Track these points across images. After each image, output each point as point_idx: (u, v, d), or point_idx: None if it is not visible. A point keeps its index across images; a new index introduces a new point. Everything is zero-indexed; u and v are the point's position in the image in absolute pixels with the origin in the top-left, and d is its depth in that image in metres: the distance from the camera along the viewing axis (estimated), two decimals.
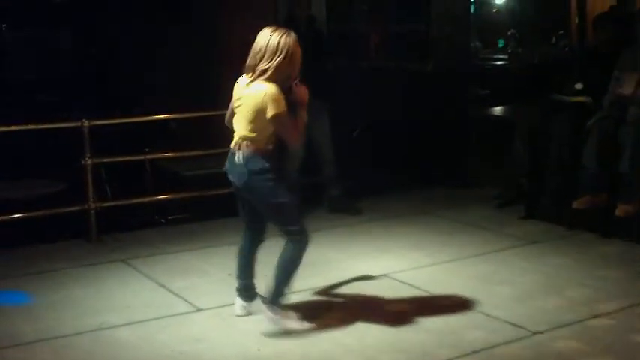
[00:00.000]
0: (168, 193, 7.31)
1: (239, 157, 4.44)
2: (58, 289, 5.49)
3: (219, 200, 7.36)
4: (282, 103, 4.32)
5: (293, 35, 4.41)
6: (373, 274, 5.65)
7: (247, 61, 4.43)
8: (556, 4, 9.88)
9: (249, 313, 4.83)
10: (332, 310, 4.95)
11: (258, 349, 4.41)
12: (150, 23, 9.45)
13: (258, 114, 4.34)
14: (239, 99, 4.47)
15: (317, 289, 5.27)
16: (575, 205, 6.40)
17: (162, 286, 5.51)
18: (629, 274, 5.54)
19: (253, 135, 4.40)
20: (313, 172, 7.20)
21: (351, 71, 8.60)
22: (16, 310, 5.11)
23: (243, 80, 4.48)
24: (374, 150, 8.55)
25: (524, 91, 7.60)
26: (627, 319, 4.75)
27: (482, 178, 8.17)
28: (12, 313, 5.03)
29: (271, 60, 4.31)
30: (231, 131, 4.57)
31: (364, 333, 4.60)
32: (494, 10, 13.51)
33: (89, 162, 6.68)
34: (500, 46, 12.67)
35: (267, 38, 4.35)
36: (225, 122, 4.68)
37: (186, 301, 5.19)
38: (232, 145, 4.51)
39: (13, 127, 6.69)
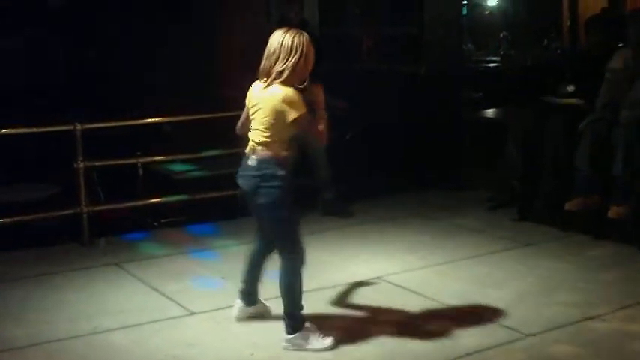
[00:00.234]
0: (161, 196, 7.30)
1: (252, 161, 4.34)
2: (51, 293, 5.47)
3: (213, 203, 7.38)
4: (302, 104, 4.23)
5: (306, 34, 4.32)
6: (367, 277, 5.65)
7: (261, 65, 4.33)
8: (548, 6, 9.90)
9: (246, 317, 4.81)
10: (326, 313, 4.95)
11: (252, 354, 4.41)
12: (150, 23, 9.43)
13: (276, 119, 4.25)
14: (255, 105, 4.36)
15: (310, 293, 5.25)
16: (567, 207, 6.41)
17: (156, 289, 5.50)
18: (623, 276, 5.55)
19: (269, 140, 4.29)
20: (307, 175, 7.19)
21: (344, 74, 8.59)
22: (8, 314, 5.09)
23: (257, 85, 4.38)
24: (367, 153, 8.55)
25: (517, 93, 7.61)
26: (621, 321, 4.75)
27: (476, 181, 8.17)
28: (4, 318, 5.02)
29: (287, 61, 4.22)
30: (244, 138, 4.47)
31: (358, 336, 4.59)
32: (486, 13, 13.50)
33: (81, 165, 6.67)
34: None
35: (281, 39, 4.26)
36: (237, 130, 4.58)
37: (180, 304, 5.18)
38: (247, 150, 4.41)
39: (4, 131, 6.66)
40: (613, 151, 6.18)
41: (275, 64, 4.25)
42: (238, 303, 4.84)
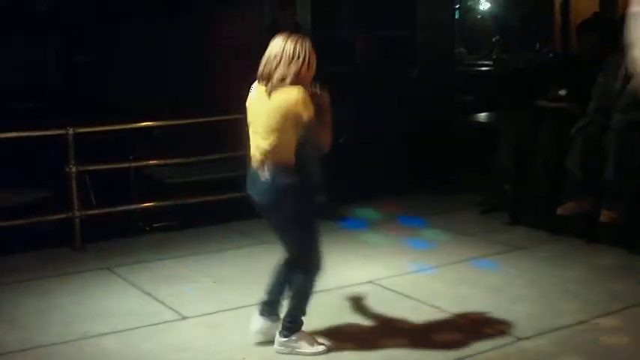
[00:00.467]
0: (153, 201, 7.29)
1: (265, 173, 4.17)
2: (42, 297, 5.46)
3: (205, 207, 7.37)
4: (311, 106, 4.10)
5: (308, 39, 4.22)
6: (358, 281, 5.65)
7: (260, 70, 4.19)
8: (540, 10, 9.93)
9: (265, 332, 4.53)
10: (317, 317, 4.93)
11: (244, 358, 4.39)
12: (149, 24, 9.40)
13: (287, 123, 4.09)
14: (257, 113, 4.21)
15: None
16: (559, 211, 6.42)
17: (148, 294, 5.49)
18: (615, 280, 5.56)
19: (278, 148, 4.13)
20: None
21: (337, 77, 8.59)
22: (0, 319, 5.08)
23: (258, 89, 4.23)
24: (359, 156, 8.55)
25: (509, 97, 7.63)
26: (612, 325, 4.76)
27: (468, 184, 8.19)
28: None
29: (289, 66, 4.10)
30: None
31: (349, 340, 4.59)
32: (478, 17, 13.55)
33: (73, 169, 6.65)
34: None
35: (282, 44, 4.14)
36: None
37: (172, 309, 5.17)
38: (254, 162, 4.24)
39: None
40: (605, 156, 6.19)
41: (276, 69, 4.12)
42: (258, 317, 4.56)
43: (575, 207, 6.36)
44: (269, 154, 4.16)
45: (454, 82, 9.04)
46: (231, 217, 7.26)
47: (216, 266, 6.10)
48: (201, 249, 6.52)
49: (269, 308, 4.57)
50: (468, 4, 13.35)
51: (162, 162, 7.59)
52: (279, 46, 4.16)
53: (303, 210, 4.24)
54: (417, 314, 5.00)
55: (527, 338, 4.57)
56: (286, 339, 4.41)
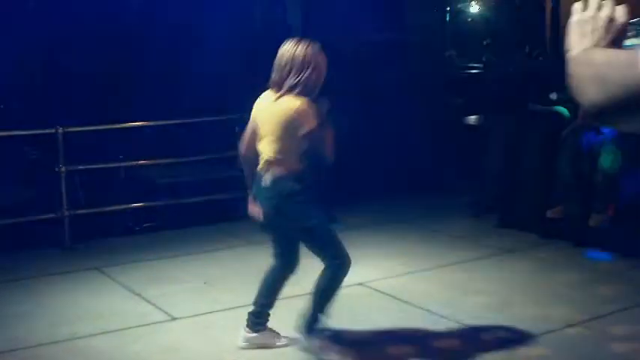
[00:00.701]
0: (142, 201, 7.27)
1: (266, 180, 4.15)
2: (30, 297, 5.43)
3: (194, 208, 7.35)
4: (315, 117, 4.05)
5: (317, 45, 4.16)
6: (349, 282, 5.59)
7: (272, 77, 4.14)
8: (530, 13, 9.95)
9: (253, 347, 4.46)
10: None
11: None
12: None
13: (289, 132, 4.07)
14: (264, 120, 4.16)
15: (293, 299, 5.22)
16: (549, 214, 6.44)
17: (137, 294, 5.47)
18: (604, 283, 5.58)
19: (282, 156, 4.11)
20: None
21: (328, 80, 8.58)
22: None
23: (267, 97, 4.19)
24: (351, 159, 8.54)
25: (500, 100, 7.64)
26: (602, 328, 4.77)
27: (458, 187, 8.20)
28: None
29: (300, 74, 4.05)
30: (250, 154, 4.27)
31: (340, 343, 4.57)
32: (468, 20, 13.56)
33: (63, 169, 6.63)
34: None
35: (293, 51, 4.08)
36: (242, 151, 4.31)
37: (162, 310, 5.15)
38: (259, 167, 4.20)
39: None
40: (595, 159, 6.21)
41: (287, 77, 4.07)
42: (244, 330, 4.47)
43: (565, 210, 6.37)
44: (274, 162, 4.14)
45: (445, 84, 9.04)
46: (220, 217, 7.24)
47: (207, 267, 6.09)
48: (191, 249, 6.50)
49: (257, 319, 4.47)
50: (458, 6, 13.37)
51: (153, 162, 7.57)
52: (289, 54, 4.10)
53: (307, 213, 4.17)
54: (408, 317, 5.00)
55: (518, 341, 4.57)
56: (308, 334, 4.31)
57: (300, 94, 4.06)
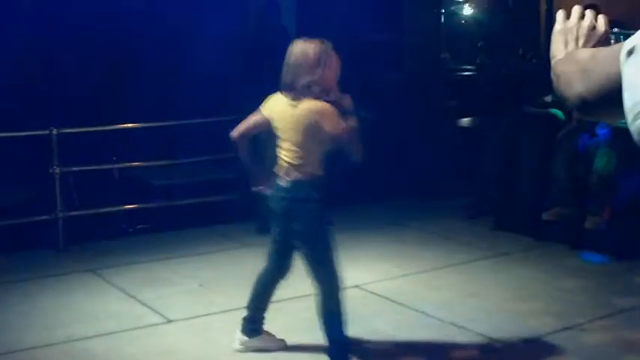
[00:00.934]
0: (137, 203, 7.24)
1: (284, 182, 4.06)
2: (25, 300, 5.40)
3: (189, 210, 7.33)
4: (339, 119, 3.97)
5: (328, 43, 4.05)
6: (344, 285, 5.61)
7: (283, 77, 4.03)
8: (525, 15, 9.96)
9: (248, 350, 4.45)
10: (303, 322, 4.91)
11: None
12: None
13: (313, 137, 3.99)
14: (283, 123, 4.06)
15: (285, 302, 5.21)
16: (545, 216, 6.45)
17: (133, 297, 5.45)
18: (599, 286, 5.58)
19: (304, 161, 4.03)
20: None
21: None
22: None
23: (281, 99, 4.08)
24: (344, 160, 8.54)
25: (494, 102, 7.64)
26: (597, 330, 4.78)
27: (453, 189, 8.19)
28: None
29: (313, 73, 3.94)
30: (239, 143, 4.22)
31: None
32: (462, 22, 13.58)
33: (57, 170, 6.60)
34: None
35: (304, 50, 3.98)
36: (235, 133, 4.20)
37: (157, 312, 5.13)
38: (278, 169, 4.13)
39: None
40: (590, 161, 6.22)
41: (300, 77, 3.96)
42: (239, 335, 4.45)
43: (561, 213, 6.38)
44: (294, 166, 4.05)
45: (440, 86, 9.04)
46: (215, 220, 7.22)
47: (201, 269, 6.07)
48: (186, 252, 6.48)
49: (252, 325, 4.44)
50: (451, 8, 13.38)
51: (147, 164, 7.55)
52: (301, 54, 4.00)
53: (318, 226, 4.09)
54: (403, 319, 5.00)
55: (513, 343, 4.57)
56: None
57: (316, 95, 3.96)
